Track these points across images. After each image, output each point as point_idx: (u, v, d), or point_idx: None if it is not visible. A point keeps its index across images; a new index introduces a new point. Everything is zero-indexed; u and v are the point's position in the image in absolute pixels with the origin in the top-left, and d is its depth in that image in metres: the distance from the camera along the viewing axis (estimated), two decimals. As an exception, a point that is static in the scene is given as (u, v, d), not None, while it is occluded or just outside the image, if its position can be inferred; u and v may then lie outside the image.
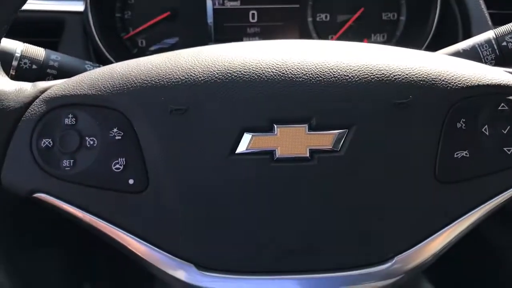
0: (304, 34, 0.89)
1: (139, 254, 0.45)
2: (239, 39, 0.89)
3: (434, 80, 0.46)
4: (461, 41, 0.82)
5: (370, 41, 0.90)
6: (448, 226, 0.46)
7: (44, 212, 0.47)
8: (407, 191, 0.45)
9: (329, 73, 0.45)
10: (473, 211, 0.46)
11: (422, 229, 0.46)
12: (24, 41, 0.71)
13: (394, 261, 0.46)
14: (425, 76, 0.46)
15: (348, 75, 0.45)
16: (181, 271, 0.45)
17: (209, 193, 0.44)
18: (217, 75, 0.45)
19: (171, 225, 0.45)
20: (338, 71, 0.45)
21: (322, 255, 0.45)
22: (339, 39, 0.89)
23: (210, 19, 0.89)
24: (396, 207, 0.45)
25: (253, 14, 0.89)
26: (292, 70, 0.45)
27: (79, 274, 0.55)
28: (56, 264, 0.60)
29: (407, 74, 0.45)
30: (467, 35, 0.81)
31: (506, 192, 0.47)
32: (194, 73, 0.45)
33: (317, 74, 0.45)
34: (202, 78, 0.45)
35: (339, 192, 0.45)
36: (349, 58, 0.46)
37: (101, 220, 0.45)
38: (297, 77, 0.45)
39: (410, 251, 0.46)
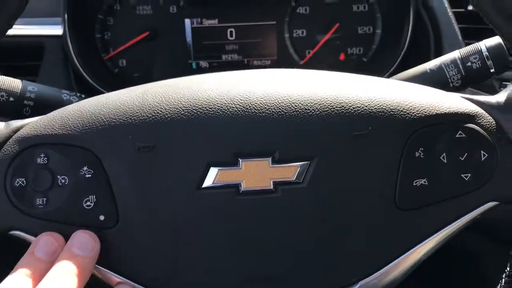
0: (282, 50, 0.91)
1: (113, 286, 0.47)
2: (218, 56, 0.91)
3: (392, 111, 0.47)
4: (433, 52, 0.85)
5: (347, 55, 0.92)
6: (410, 251, 0.48)
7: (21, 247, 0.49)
8: (369, 219, 0.47)
9: (291, 107, 0.47)
10: (433, 236, 0.48)
11: (385, 254, 0.48)
12: (4, 66, 0.73)
13: (358, 286, 0.47)
14: (383, 107, 0.47)
15: (309, 109, 0.47)
16: (153, 302, 0.47)
17: (178, 226, 0.46)
18: (182, 112, 0.46)
19: (142, 258, 0.47)
20: (300, 104, 0.47)
21: (288, 283, 0.47)
22: (316, 54, 0.91)
23: (189, 37, 0.90)
24: (358, 235, 0.47)
25: (231, 31, 0.90)
26: (255, 105, 0.47)
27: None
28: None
29: (366, 106, 0.47)
30: (439, 47, 0.83)
31: (464, 217, 0.48)
32: (160, 111, 0.47)
33: (279, 108, 0.46)
34: (168, 115, 0.46)
35: (302, 222, 0.46)
36: (310, 90, 0.48)
37: (75, 255, 0.47)
38: (260, 112, 0.46)
39: (374, 276, 0.48)
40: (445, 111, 0.48)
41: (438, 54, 0.81)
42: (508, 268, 0.45)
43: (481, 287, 0.81)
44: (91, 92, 0.79)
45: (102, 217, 0.46)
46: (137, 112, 0.47)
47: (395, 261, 0.48)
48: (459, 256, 0.82)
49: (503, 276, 0.45)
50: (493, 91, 0.72)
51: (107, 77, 0.88)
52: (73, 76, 0.83)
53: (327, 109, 0.47)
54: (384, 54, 0.90)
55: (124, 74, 0.91)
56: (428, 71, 0.64)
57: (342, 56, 0.92)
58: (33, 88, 0.62)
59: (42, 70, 0.82)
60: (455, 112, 0.48)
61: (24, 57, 0.82)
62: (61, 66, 0.83)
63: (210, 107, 0.47)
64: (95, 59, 0.88)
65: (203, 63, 0.92)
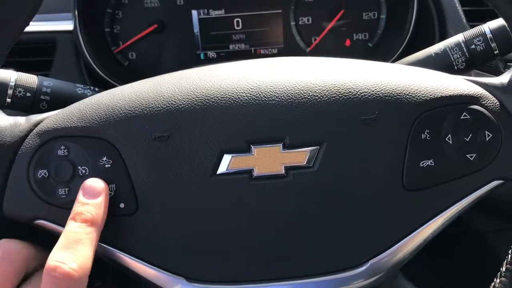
0: (288, 38, 0.92)
1: (134, 271, 0.49)
2: (225, 46, 0.92)
3: (398, 95, 0.49)
4: (438, 36, 0.86)
5: (352, 41, 0.93)
6: (417, 230, 0.50)
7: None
8: (377, 201, 0.49)
9: (299, 94, 0.48)
10: (440, 215, 0.50)
11: (393, 234, 0.50)
12: (17, 62, 0.75)
13: (368, 264, 0.49)
14: (389, 91, 0.49)
15: (317, 95, 0.48)
16: (173, 284, 0.49)
17: (194, 212, 0.48)
18: (196, 102, 0.48)
19: (160, 243, 0.49)
20: (308, 91, 0.48)
21: (300, 264, 0.49)
22: (322, 41, 0.92)
23: (196, 28, 0.92)
24: (367, 216, 0.49)
25: (237, 21, 0.92)
26: (265, 93, 0.48)
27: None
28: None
29: (372, 91, 0.49)
30: (443, 31, 0.84)
31: (470, 196, 0.50)
32: (174, 101, 0.49)
33: (288, 95, 0.48)
34: (182, 105, 0.48)
35: (313, 205, 0.48)
36: (318, 77, 0.49)
37: (97, 242, 0.49)
38: (270, 99, 0.48)
39: (383, 255, 0.49)
40: (449, 94, 0.50)
41: (443, 37, 0.82)
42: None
43: (488, 265, 0.83)
44: (103, 85, 0.81)
45: (122, 205, 0.48)
46: (151, 103, 0.49)
47: (403, 240, 0.50)
48: (464, 235, 0.83)
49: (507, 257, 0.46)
50: (498, 73, 0.73)
51: (118, 70, 0.90)
52: (85, 70, 0.85)
53: (335, 94, 0.48)
54: (390, 39, 0.91)
55: (134, 67, 0.93)
56: (433, 54, 0.66)
57: (348, 42, 0.93)
58: (48, 83, 0.64)
59: (55, 65, 0.84)
60: (459, 95, 0.50)
61: (36, 53, 0.84)
62: (73, 61, 0.85)
63: (222, 96, 0.48)
64: (105, 53, 0.90)
65: (211, 54, 0.93)
